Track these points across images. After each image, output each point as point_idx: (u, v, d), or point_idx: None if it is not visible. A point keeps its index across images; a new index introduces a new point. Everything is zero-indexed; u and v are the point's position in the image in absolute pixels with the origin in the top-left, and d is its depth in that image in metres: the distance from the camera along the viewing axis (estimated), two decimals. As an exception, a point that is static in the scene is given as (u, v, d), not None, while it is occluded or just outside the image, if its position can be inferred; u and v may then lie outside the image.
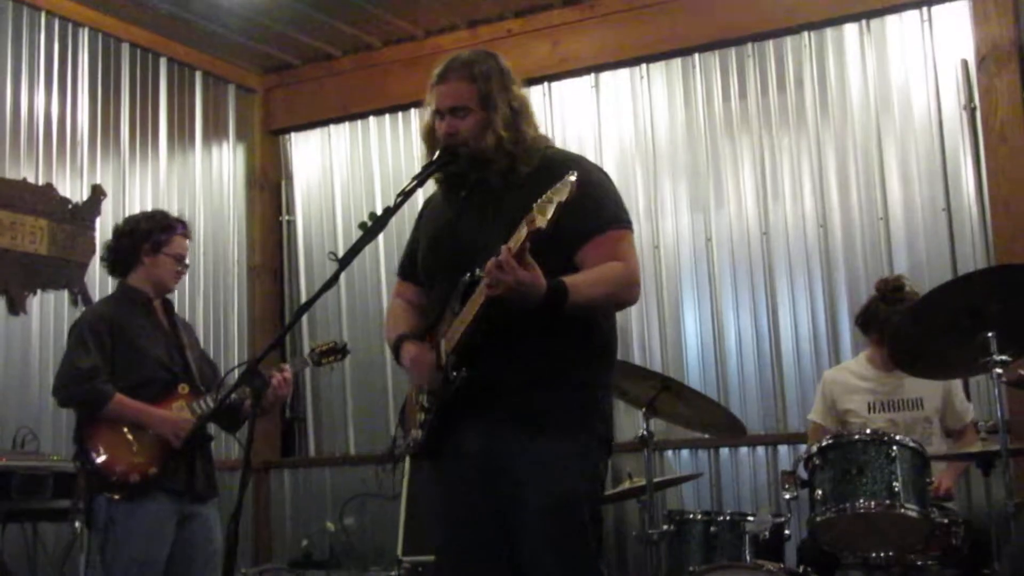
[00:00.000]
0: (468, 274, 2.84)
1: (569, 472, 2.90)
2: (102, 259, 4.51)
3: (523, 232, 2.63)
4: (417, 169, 3.06)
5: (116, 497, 4.10)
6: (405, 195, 2.97)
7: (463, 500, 2.99)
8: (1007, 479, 3.63)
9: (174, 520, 4.20)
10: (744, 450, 5.74)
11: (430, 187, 3.19)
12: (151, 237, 4.35)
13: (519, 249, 2.64)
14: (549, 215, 2.60)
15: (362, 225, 2.91)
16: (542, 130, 3.13)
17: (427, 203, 3.28)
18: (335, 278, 2.90)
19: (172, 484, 4.18)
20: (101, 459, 4.13)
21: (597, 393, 3.03)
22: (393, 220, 2.95)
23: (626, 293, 2.99)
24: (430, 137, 3.09)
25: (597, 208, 2.91)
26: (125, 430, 4.16)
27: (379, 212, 2.93)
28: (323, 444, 6.80)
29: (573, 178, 2.63)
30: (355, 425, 6.67)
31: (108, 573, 4.13)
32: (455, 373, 2.87)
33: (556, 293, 2.76)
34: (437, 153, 3.01)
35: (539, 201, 2.63)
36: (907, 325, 3.96)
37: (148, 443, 4.15)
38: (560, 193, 2.62)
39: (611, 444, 3.05)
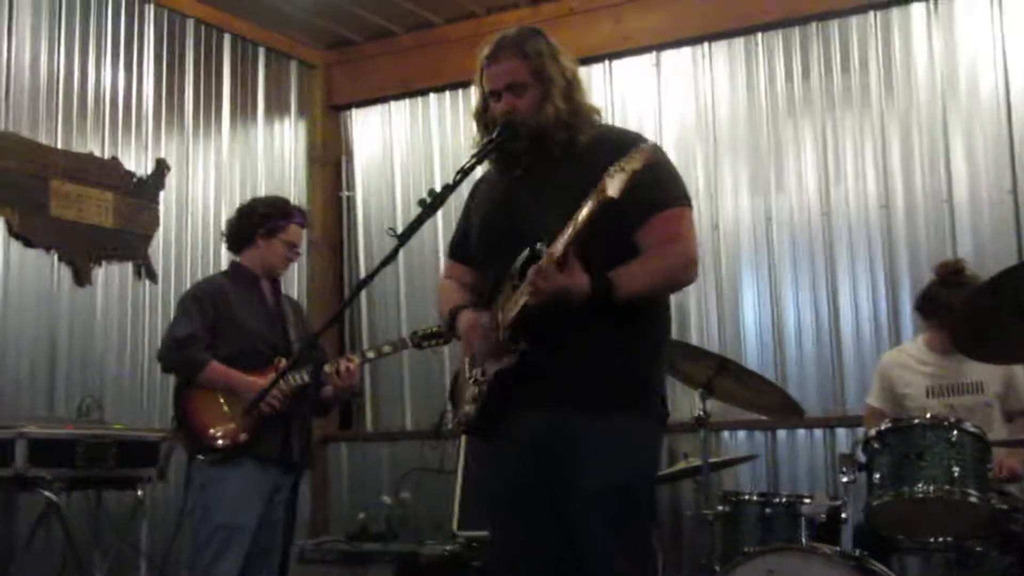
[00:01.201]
0: (528, 249, 2.83)
1: (630, 451, 2.89)
2: (221, 233, 4.66)
3: (593, 204, 2.62)
4: (475, 148, 3.06)
5: (208, 461, 4.22)
6: (464, 172, 2.96)
7: (515, 483, 2.96)
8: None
9: (266, 489, 4.29)
10: (801, 432, 5.69)
11: (480, 168, 3.13)
12: (268, 221, 4.50)
13: (563, 252, 2.65)
14: (620, 184, 2.59)
15: (421, 202, 2.90)
16: (602, 108, 3.12)
17: (478, 184, 3.26)
18: (394, 254, 2.91)
19: (264, 452, 4.28)
20: (195, 423, 4.26)
21: (654, 373, 3.02)
22: (451, 197, 2.94)
23: (682, 275, 2.98)
24: (482, 119, 3.07)
25: (658, 185, 2.88)
26: (220, 396, 4.29)
27: (438, 189, 2.91)
28: (380, 418, 6.85)
29: (648, 145, 2.62)
30: (412, 400, 6.70)
31: (197, 535, 4.24)
32: (514, 346, 2.84)
33: (601, 290, 2.78)
34: (497, 130, 2.98)
35: (610, 170, 2.61)
36: (972, 308, 3.90)
37: (241, 410, 4.24)
38: (633, 161, 2.61)
39: (666, 421, 3.03)
